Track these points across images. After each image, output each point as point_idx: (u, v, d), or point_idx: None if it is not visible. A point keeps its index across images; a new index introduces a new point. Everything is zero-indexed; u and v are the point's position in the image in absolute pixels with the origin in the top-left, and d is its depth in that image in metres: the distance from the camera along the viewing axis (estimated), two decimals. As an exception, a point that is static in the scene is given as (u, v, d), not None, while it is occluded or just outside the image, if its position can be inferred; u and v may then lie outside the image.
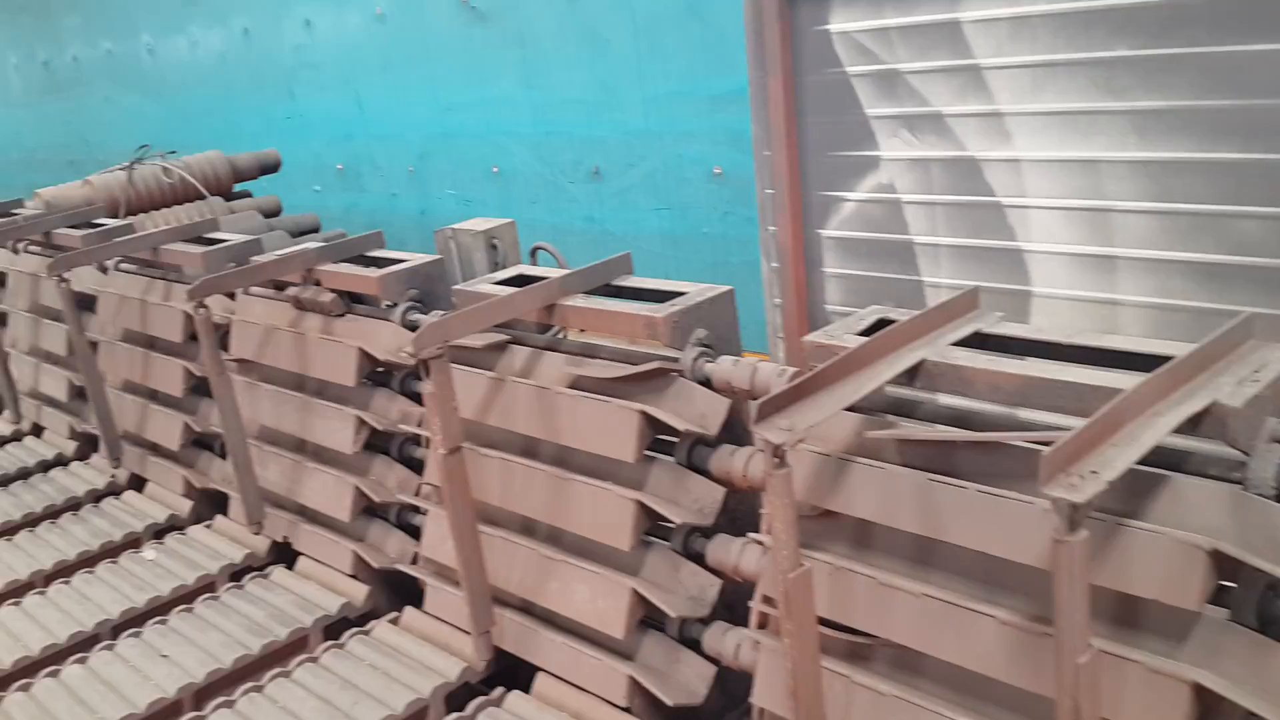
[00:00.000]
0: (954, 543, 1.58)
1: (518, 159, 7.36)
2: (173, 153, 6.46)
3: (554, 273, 2.44)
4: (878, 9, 3.04)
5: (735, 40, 5.94)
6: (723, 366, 2.05)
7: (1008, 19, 2.76)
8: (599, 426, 2.12)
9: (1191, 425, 1.43)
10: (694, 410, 2.05)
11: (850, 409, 1.64)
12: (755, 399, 2.06)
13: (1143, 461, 1.35)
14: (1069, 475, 1.21)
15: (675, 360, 2.10)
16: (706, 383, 2.07)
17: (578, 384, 2.23)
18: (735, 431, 2.09)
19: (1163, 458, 1.50)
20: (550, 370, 2.30)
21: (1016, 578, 1.54)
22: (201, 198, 6.34)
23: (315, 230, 6.57)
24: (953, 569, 1.64)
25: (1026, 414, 1.71)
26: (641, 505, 2.05)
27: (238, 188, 6.81)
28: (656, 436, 2.12)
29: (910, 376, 1.70)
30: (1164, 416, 1.38)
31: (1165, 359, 1.47)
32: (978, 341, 1.75)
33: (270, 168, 6.87)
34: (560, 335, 2.59)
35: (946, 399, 1.76)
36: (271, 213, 6.60)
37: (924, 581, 1.63)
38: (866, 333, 1.82)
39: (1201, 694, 1.39)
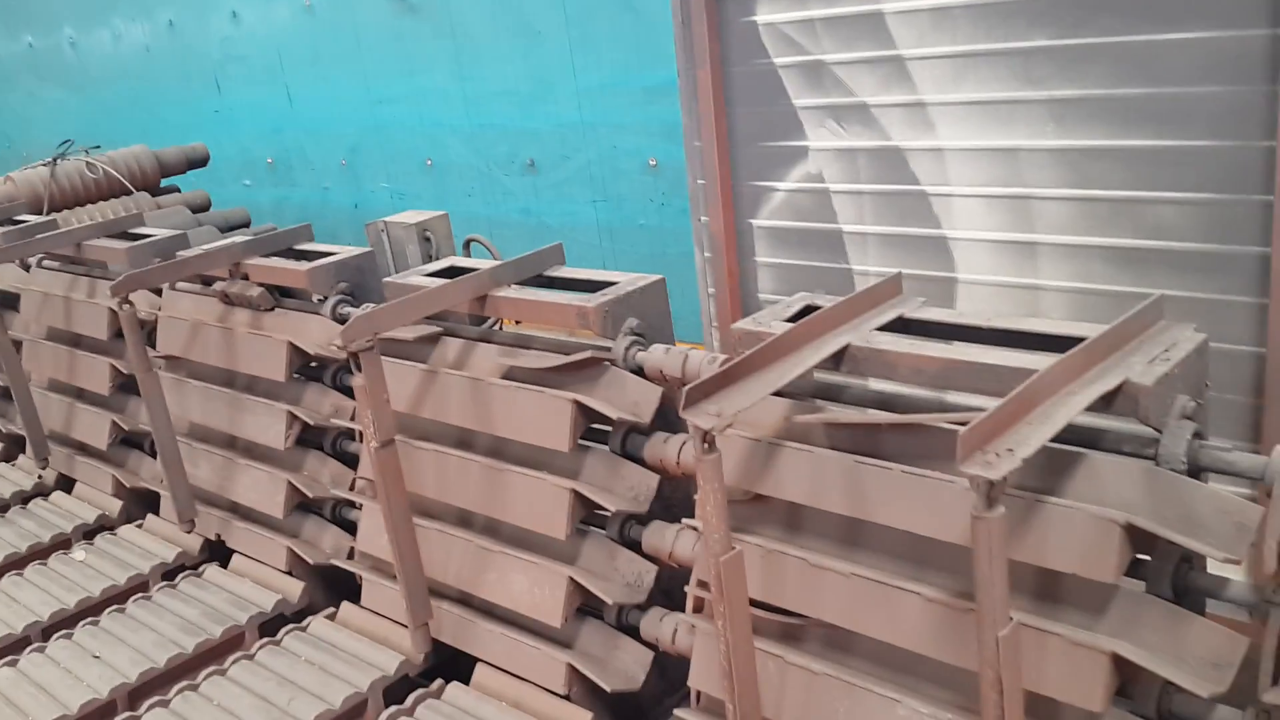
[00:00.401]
0: (881, 523, 1.62)
1: (452, 152, 7.31)
2: (96, 148, 6.31)
3: (485, 264, 2.44)
4: (803, 1, 3.07)
5: (667, 32, 5.96)
6: (654, 355, 2.07)
7: (929, 10, 2.82)
8: (532, 416, 2.13)
9: (1105, 404, 1.48)
10: (627, 399, 2.07)
11: (778, 394, 1.67)
12: (685, 386, 2.09)
13: (1059, 439, 1.39)
14: (985, 454, 1.25)
15: (607, 349, 2.12)
16: (639, 371, 2.09)
17: (511, 374, 2.23)
18: (668, 419, 2.11)
19: (1079, 436, 1.56)
20: (483, 361, 2.30)
21: (941, 556, 1.58)
22: (128, 193, 6.20)
23: (245, 225, 6.46)
24: (880, 549, 1.68)
25: (951, 397, 1.76)
26: (577, 494, 2.06)
27: (165, 183, 6.67)
28: (590, 425, 2.14)
29: (836, 361, 1.74)
30: (1077, 395, 1.43)
31: (1080, 340, 1.52)
32: (901, 326, 1.79)
33: (198, 162, 6.75)
34: (496, 327, 2.59)
35: (872, 383, 1.80)
36: (200, 208, 6.48)
37: (853, 561, 1.66)
38: (794, 319, 1.85)
39: (1120, 664, 1.45)
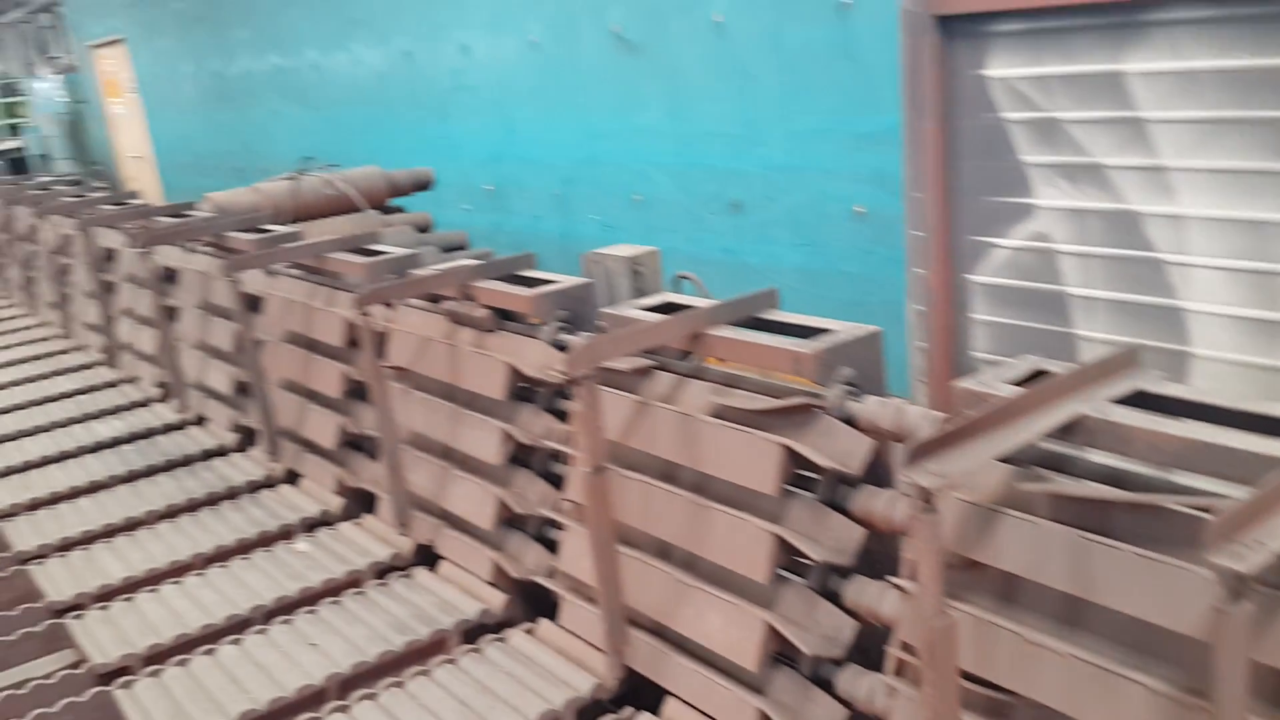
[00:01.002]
0: (1105, 605, 1.56)
1: (660, 188, 7.48)
2: (335, 166, 6.78)
3: (702, 302, 2.49)
4: (1038, 56, 3.01)
5: (884, 80, 5.95)
6: (868, 406, 2.07)
7: (1175, 73, 2.72)
8: (740, 457, 2.16)
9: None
10: (837, 448, 2.07)
11: (1001, 459, 1.64)
12: (900, 441, 2.08)
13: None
14: (1235, 544, 1.20)
15: (820, 397, 2.13)
16: (851, 421, 2.09)
17: (721, 413, 2.27)
18: (876, 472, 2.10)
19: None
20: (694, 397, 2.35)
21: (1170, 646, 1.52)
22: (359, 210, 6.63)
23: (463, 247, 6.79)
24: (1102, 632, 1.62)
25: (1183, 479, 1.68)
26: (779, 539, 2.08)
27: (392, 202, 7.10)
28: (796, 472, 2.15)
29: (1065, 431, 1.70)
30: (1337, 491, 1.35)
31: (1340, 432, 1.44)
32: (1137, 400, 1.73)
33: (424, 185, 7.15)
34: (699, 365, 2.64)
35: (1100, 456, 1.75)
36: (423, 228, 6.85)
37: (1071, 642, 1.61)
38: (1020, 383, 1.82)
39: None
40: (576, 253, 8.61)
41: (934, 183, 3.10)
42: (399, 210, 7.09)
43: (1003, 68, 3.04)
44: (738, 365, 2.39)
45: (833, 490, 2.11)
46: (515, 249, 8.66)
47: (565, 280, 2.90)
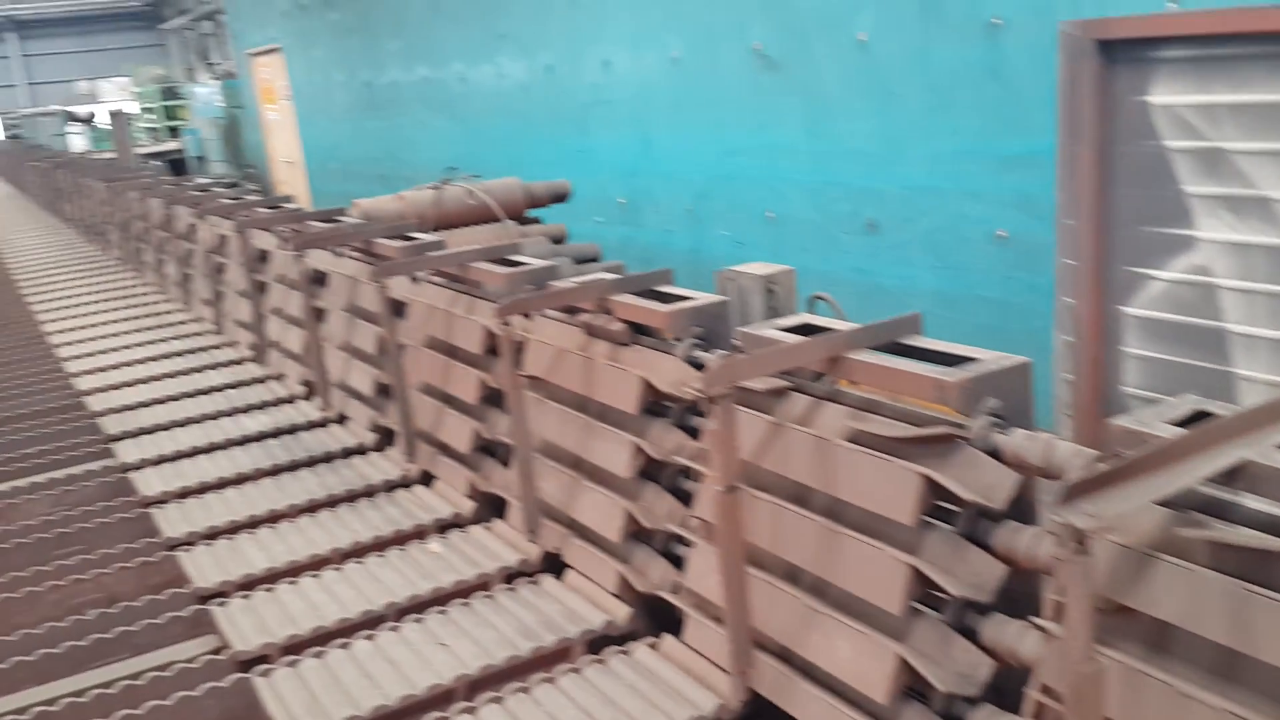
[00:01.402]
0: (1264, 659, 1.48)
1: (793, 206, 7.44)
2: (476, 176, 6.95)
3: (841, 325, 2.47)
4: (1205, 84, 2.89)
5: (1032, 102, 5.79)
6: (1015, 439, 2.01)
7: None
8: (877, 484, 2.13)
9: None
10: (980, 481, 2.02)
11: (1159, 503, 1.58)
12: (1048, 477, 2.02)
13: None
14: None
15: (963, 427, 2.08)
16: (996, 454, 2.03)
17: (858, 438, 2.24)
18: (1019, 508, 2.04)
19: None
20: (830, 421, 2.32)
21: (1337, 708, 1.43)
22: (498, 220, 6.78)
23: (595, 259, 6.87)
24: (1259, 687, 1.54)
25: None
26: (915, 570, 2.03)
27: (529, 213, 7.23)
28: (934, 503, 2.10)
29: (1227, 476, 1.62)
30: None
31: None
32: (1311, 448, 1.63)
33: (561, 197, 7.27)
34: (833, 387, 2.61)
35: (1263, 504, 1.66)
36: (558, 239, 6.97)
37: (1225, 696, 1.53)
38: (1180, 423, 1.74)
39: None
40: (706, 268, 8.63)
41: (1088, 210, 3.00)
42: (536, 221, 7.23)
43: (1167, 95, 2.93)
44: (876, 390, 2.36)
45: (973, 524, 2.06)
46: (645, 263, 8.75)
47: (701, 297, 2.91)
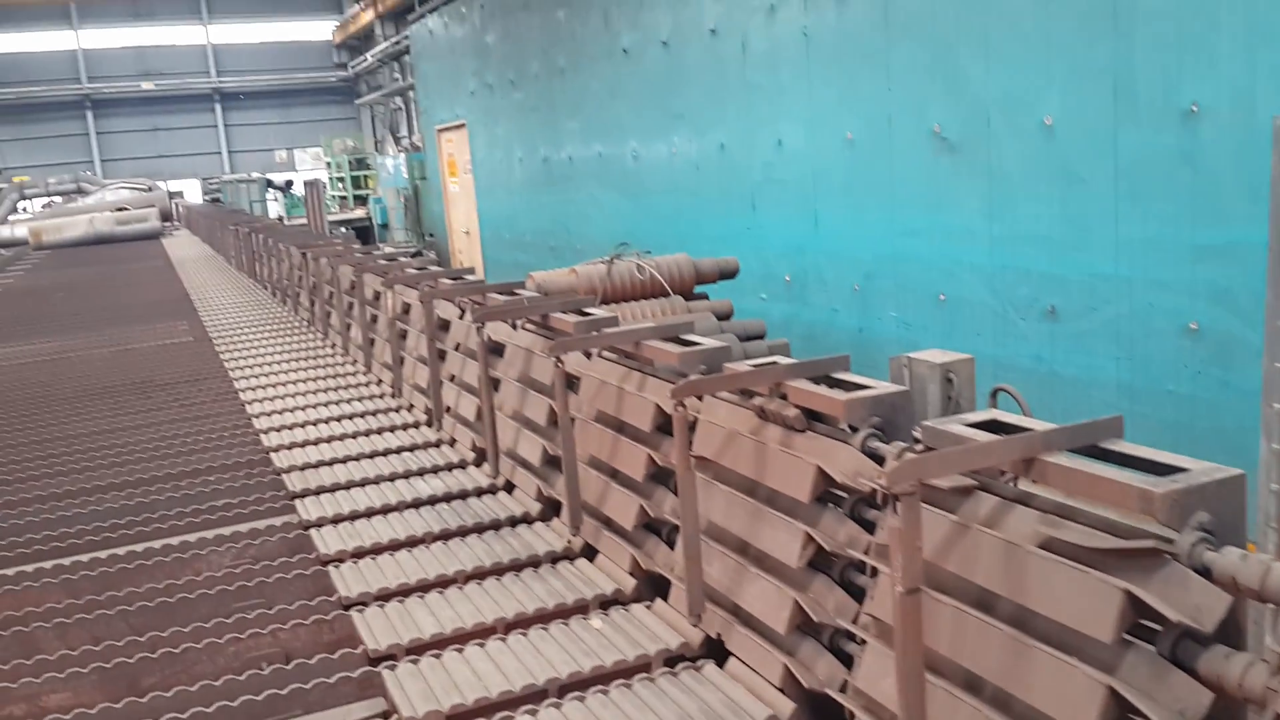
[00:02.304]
0: None
1: (967, 289, 7.27)
2: (647, 252, 7.07)
3: (1034, 424, 2.36)
4: None
5: (1231, 191, 5.50)
6: (1228, 558, 1.87)
7: None
8: (1074, 596, 2.01)
9: None
10: (1188, 600, 1.88)
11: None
12: (1264, 601, 1.86)
13: None
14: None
15: (1170, 542, 1.95)
16: (1205, 573, 1.89)
17: (1051, 546, 2.13)
18: (1227, 630, 1.89)
19: None
20: (1019, 524, 2.22)
21: None
22: (666, 295, 6.86)
23: (761, 336, 6.87)
24: None
25: None
26: (1113, 693, 1.90)
27: (696, 288, 7.29)
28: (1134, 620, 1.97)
29: None
30: None
31: None
32: None
33: (729, 274, 7.31)
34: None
35: None
36: (724, 315, 6.99)
37: None
38: None
39: None
40: (872, 348, 8.52)
41: (1303, 310, 2.81)
42: (703, 297, 7.28)
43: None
44: (1070, 495, 2.24)
45: (1178, 646, 1.92)
46: (809, 340, 8.67)
47: (881, 386, 2.84)
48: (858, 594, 2.72)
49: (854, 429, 2.79)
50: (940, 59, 6.96)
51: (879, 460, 2.64)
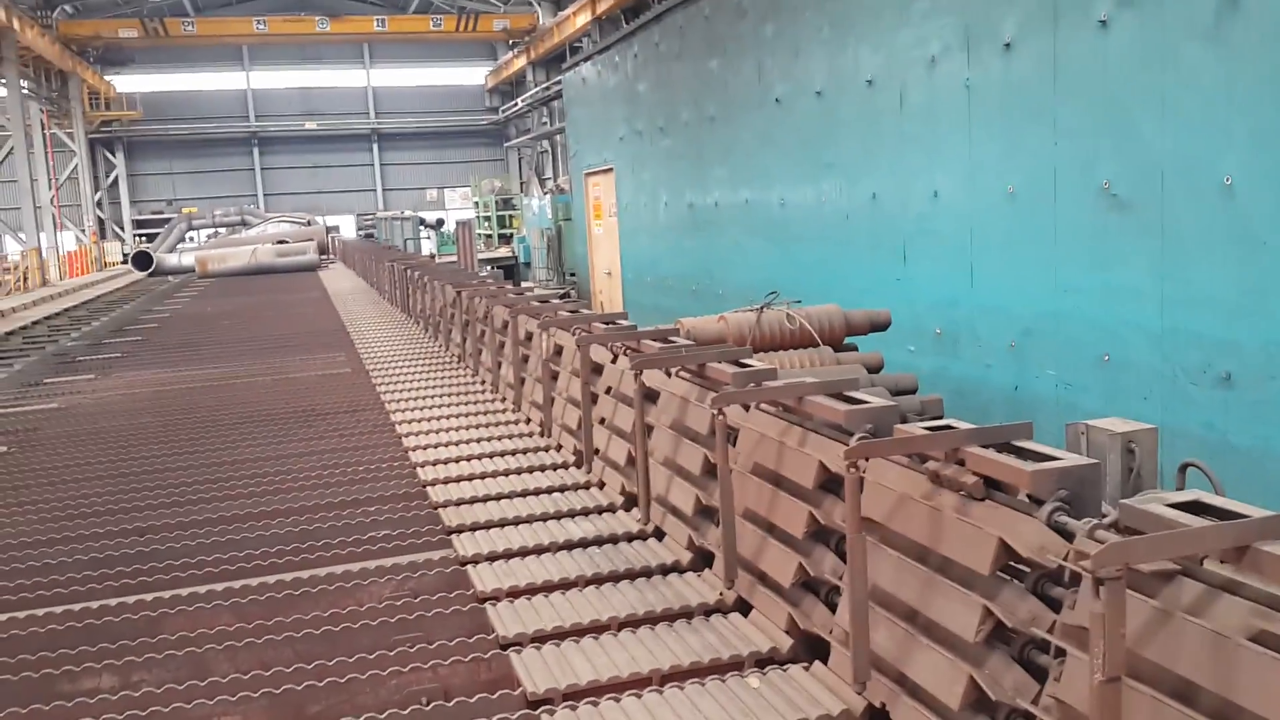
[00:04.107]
0: None
1: (1133, 351, 6.97)
2: (798, 302, 7.01)
3: (1243, 508, 2.23)
4: None
5: None
6: None
7: None
8: (1294, 698, 1.88)
9: None
10: None
11: None
12: None
13: None
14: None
15: None
16: None
17: (1262, 639, 2.00)
18: None
19: None
20: (1228, 615, 2.09)
21: None
22: (815, 345, 6.78)
23: (913, 391, 6.70)
24: None
25: None
26: (1342, 806, 1.76)
27: (846, 339, 7.18)
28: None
29: None
30: None
31: None
32: None
33: (880, 326, 7.18)
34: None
35: None
36: (874, 368, 6.86)
37: None
38: None
39: None
40: (1027, 407, 8.23)
41: None
42: (853, 348, 7.16)
43: None
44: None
45: None
46: (961, 396, 8.43)
47: (1069, 457, 2.73)
48: (1037, 673, 2.60)
49: (1038, 501, 2.69)
50: (1111, 114, 6.74)
51: (1067, 536, 2.53)
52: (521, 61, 38.45)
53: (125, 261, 34.34)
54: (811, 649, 3.41)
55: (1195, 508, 2.30)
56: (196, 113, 45.19)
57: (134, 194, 44.91)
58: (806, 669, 3.28)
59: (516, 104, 40.18)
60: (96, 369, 10.74)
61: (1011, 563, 2.71)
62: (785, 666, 3.30)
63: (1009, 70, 7.58)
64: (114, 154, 44.19)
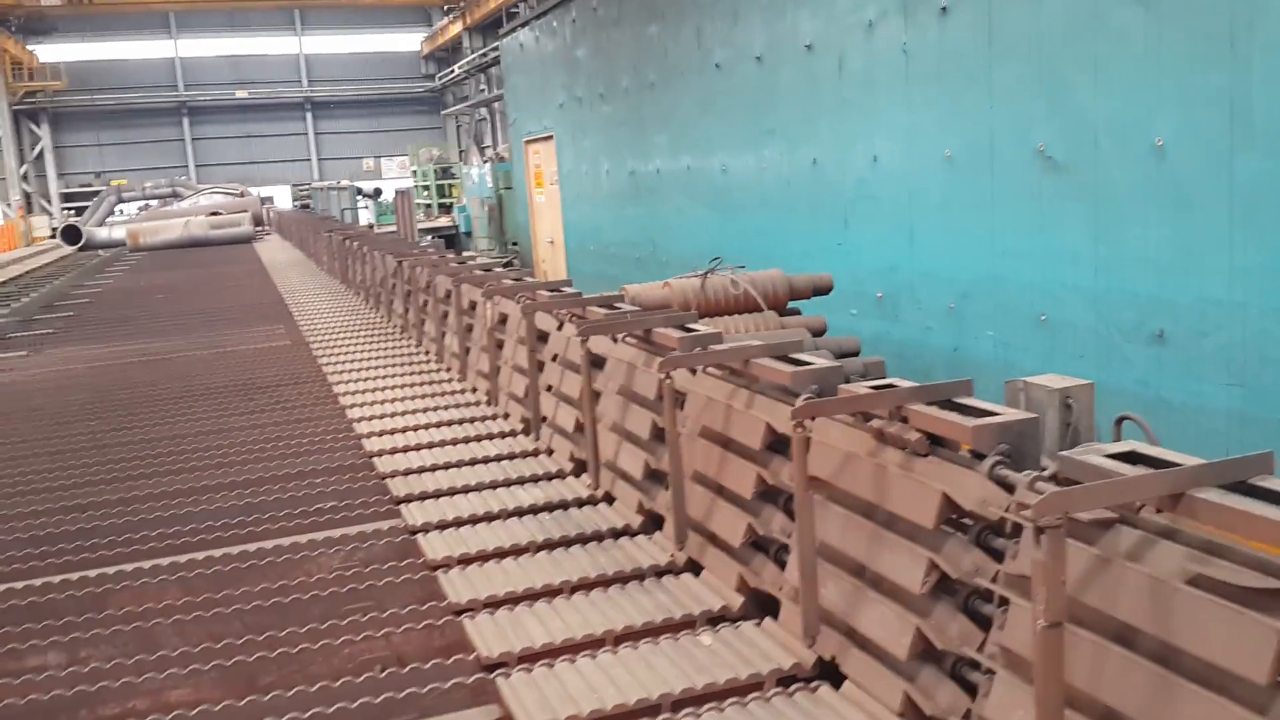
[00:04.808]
0: None
1: (1070, 311, 7.12)
2: (741, 267, 7.05)
3: (1178, 457, 2.30)
4: None
5: (1356, 214, 5.32)
6: (1397, 604, 1.80)
7: None
8: (1225, 637, 1.95)
9: None
10: (1352, 646, 1.82)
11: None
12: None
13: None
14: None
15: (1331, 584, 1.89)
16: (1371, 617, 1.83)
17: (1200, 583, 2.07)
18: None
19: None
20: (1164, 560, 2.16)
21: None
22: (759, 310, 6.84)
23: (856, 354, 6.79)
24: None
25: None
26: (1272, 736, 1.84)
27: (789, 305, 7.25)
28: (1291, 662, 1.90)
29: None
30: None
31: None
32: None
33: (822, 290, 7.26)
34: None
35: None
36: (817, 332, 6.94)
37: None
38: None
39: None
40: (966, 368, 8.39)
41: None
42: (796, 312, 7.24)
43: None
44: (1219, 533, 2.18)
45: (1340, 692, 1.85)
46: (902, 359, 8.56)
47: (1009, 413, 2.79)
48: (982, 622, 2.68)
49: (979, 455, 2.76)
50: (1045, 78, 6.84)
51: (1008, 488, 2.59)
52: (457, 27, 37.92)
53: (54, 236, 33.43)
54: (762, 606, 3.46)
55: (1131, 458, 2.37)
56: (124, 82, 43.98)
57: (61, 166, 43.67)
58: (758, 625, 3.33)
59: (453, 71, 39.66)
60: (28, 345, 10.48)
61: (954, 516, 2.77)
62: (737, 624, 3.35)
63: (945, 34, 7.65)
64: (39, 125, 42.88)
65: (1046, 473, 2.48)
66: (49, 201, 42.44)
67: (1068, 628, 2.25)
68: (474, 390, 6.76)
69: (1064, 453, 2.47)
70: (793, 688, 2.92)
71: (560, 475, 4.95)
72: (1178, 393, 6.21)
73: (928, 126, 8.00)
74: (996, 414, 2.81)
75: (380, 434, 5.81)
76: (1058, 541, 2.03)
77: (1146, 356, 6.37)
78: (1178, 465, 2.20)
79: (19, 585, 3.94)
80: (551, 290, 5.98)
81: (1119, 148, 6.33)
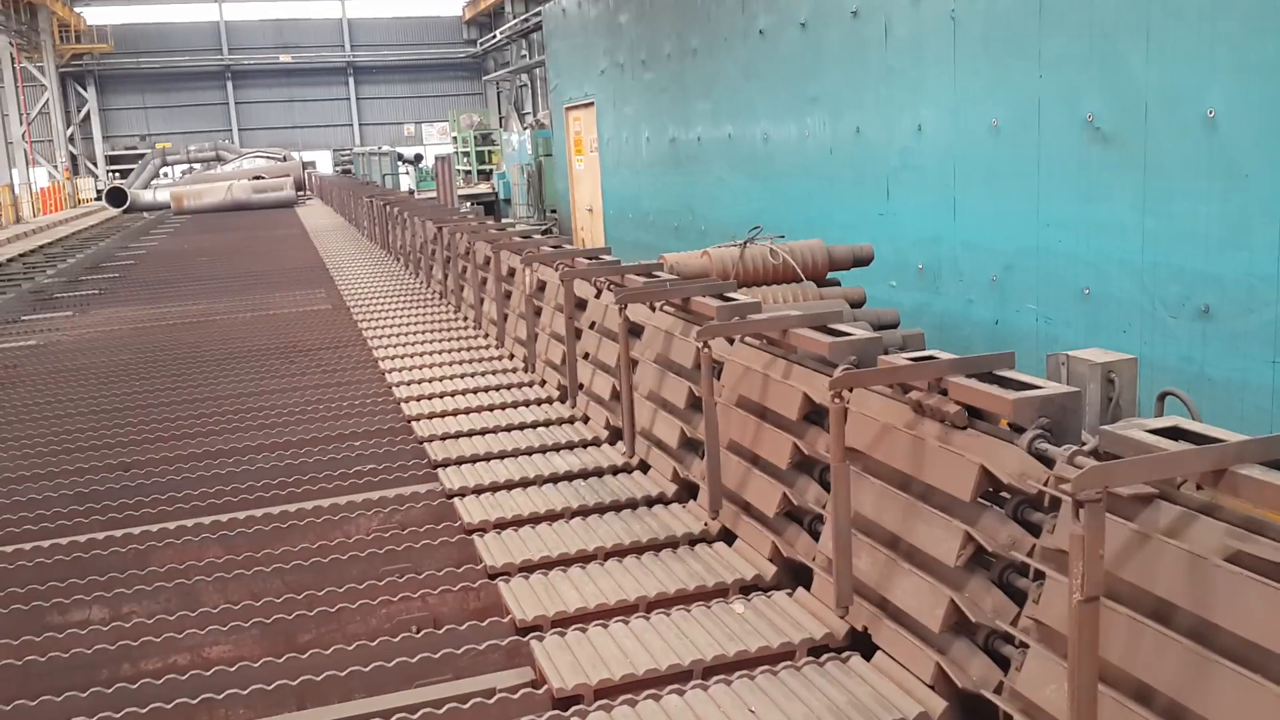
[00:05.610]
0: None
1: (1114, 284, 7.01)
2: (781, 237, 7.00)
3: (1222, 434, 2.27)
4: None
5: None
6: None
7: None
8: (1264, 613, 1.93)
9: None
10: (1397, 628, 1.79)
11: None
12: None
13: None
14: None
15: (1377, 564, 1.85)
16: None
17: (1238, 559, 2.05)
18: None
19: None
20: (1204, 536, 2.14)
21: None
22: (799, 280, 6.79)
23: (895, 326, 6.74)
24: None
25: None
26: (1308, 717, 1.82)
27: (829, 275, 7.19)
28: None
29: None
30: None
31: None
32: None
33: (863, 261, 7.20)
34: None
35: None
36: (856, 303, 6.88)
37: None
38: None
39: None
40: (1007, 341, 8.29)
41: None
42: (835, 283, 7.18)
43: None
44: (1259, 509, 2.15)
45: (1383, 675, 1.83)
46: (942, 331, 8.47)
47: (1050, 386, 2.76)
48: (1016, 596, 2.66)
49: (1019, 428, 2.73)
50: (1096, 47, 6.70)
51: (1047, 462, 2.57)
52: (500, -8, 37.78)
53: (99, 198, 33.87)
54: (795, 576, 3.47)
55: (1173, 433, 2.33)
56: (169, 45, 44.32)
57: (107, 129, 44.17)
58: (790, 595, 3.34)
59: (495, 36, 39.55)
60: (74, 306, 10.66)
61: (992, 489, 2.76)
62: (769, 593, 3.36)
63: (994, 1, 7.51)
64: (85, 88, 43.37)
65: (1087, 448, 2.45)
66: (95, 164, 42.99)
67: (1104, 602, 2.24)
68: (511, 356, 6.79)
69: (1105, 426, 2.44)
70: (824, 657, 2.93)
71: (596, 443, 4.96)
72: (1222, 369, 6.11)
73: (975, 95, 7.87)
74: (1038, 387, 2.78)
75: (419, 398, 5.86)
76: (1097, 515, 2.01)
77: (1191, 332, 6.26)
78: (1220, 441, 2.16)
79: (64, 541, 4.02)
80: (590, 258, 5.97)
81: (1169, 119, 6.20)
